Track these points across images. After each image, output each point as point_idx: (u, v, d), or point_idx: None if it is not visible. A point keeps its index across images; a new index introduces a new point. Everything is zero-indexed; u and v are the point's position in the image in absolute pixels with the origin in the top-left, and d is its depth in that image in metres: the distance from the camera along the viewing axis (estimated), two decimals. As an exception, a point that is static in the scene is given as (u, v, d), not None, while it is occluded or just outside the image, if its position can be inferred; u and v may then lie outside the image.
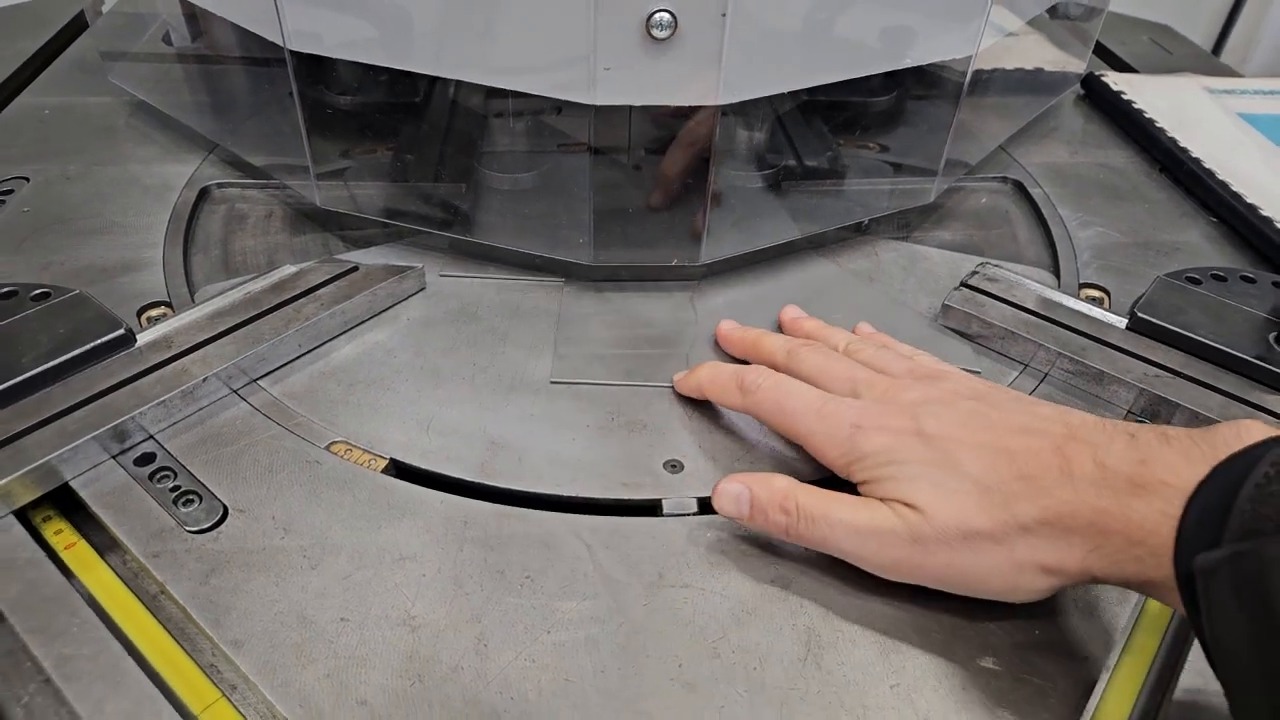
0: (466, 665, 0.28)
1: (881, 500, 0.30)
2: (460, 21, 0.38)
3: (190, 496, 0.33)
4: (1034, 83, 0.62)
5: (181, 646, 0.29)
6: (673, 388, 0.39)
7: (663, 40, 0.36)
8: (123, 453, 0.34)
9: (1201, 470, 0.25)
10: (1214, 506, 0.24)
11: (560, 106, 0.51)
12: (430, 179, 0.50)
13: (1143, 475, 0.26)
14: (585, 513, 0.34)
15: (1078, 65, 0.64)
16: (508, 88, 0.39)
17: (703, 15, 0.35)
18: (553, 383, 0.40)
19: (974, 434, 0.30)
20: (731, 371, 0.37)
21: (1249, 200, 0.50)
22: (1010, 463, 0.29)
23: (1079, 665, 0.29)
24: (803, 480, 0.32)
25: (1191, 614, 0.24)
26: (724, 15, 0.35)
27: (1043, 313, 0.42)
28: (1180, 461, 0.26)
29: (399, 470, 0.35)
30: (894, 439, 0.31)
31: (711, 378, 0.38)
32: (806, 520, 0.31)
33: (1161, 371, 0.39)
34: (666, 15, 0.35)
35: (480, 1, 0.37)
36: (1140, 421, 0.38)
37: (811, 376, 0.36)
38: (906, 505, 0.30)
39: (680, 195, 0.47)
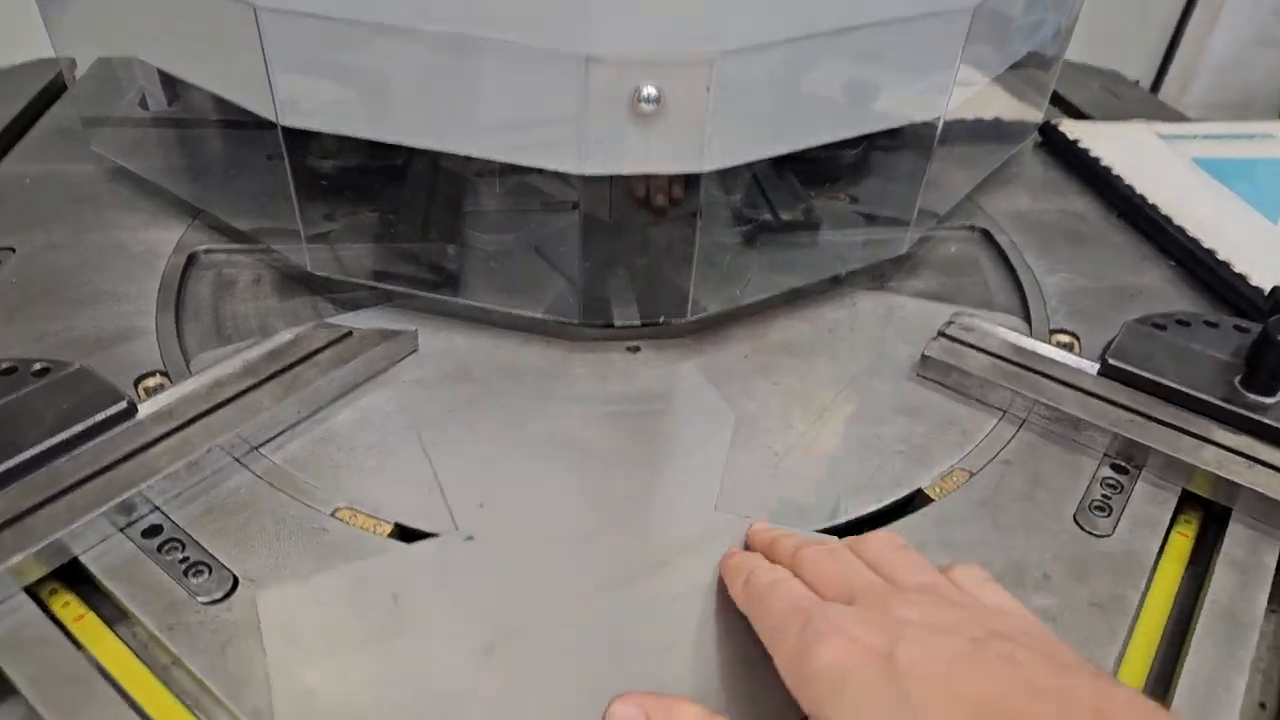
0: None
1: None
2: (454, 97, 0.39)
3: (200, 567, 0.33)
4: (996, 132, 0.65)
5: (196, 718, 0.29)
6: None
7: (649, 114, 0.38)
8: (130, 525, 0.35)
9: None
10: None
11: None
12: (417, 240, 0.51)
13: None
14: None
15: (1035, 114, 0.67)
16: (502, 159, 0.41)
17: (688, 90, 0.37)
18: None
19: (963, 683, 0.22)
20: (749, 566, 0.31)
21: (1206, 245, 0.52)
22: None
23: None
24: None
25: None
26: (708, 90, 0.37)
27: (1019, 360, 0.44)
28: None
29: (403, 534, 0.36)
30: (851, 658, 0.23)
31: (732, 565, 0.32)
32: None
33: (1134, 416, 0.41)
34: (653, 90, 0.37)
35: (475, 79, 0.38)
36: (1117, 465, 0.40)
37: (811, 578, 0.29)
38: None
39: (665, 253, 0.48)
